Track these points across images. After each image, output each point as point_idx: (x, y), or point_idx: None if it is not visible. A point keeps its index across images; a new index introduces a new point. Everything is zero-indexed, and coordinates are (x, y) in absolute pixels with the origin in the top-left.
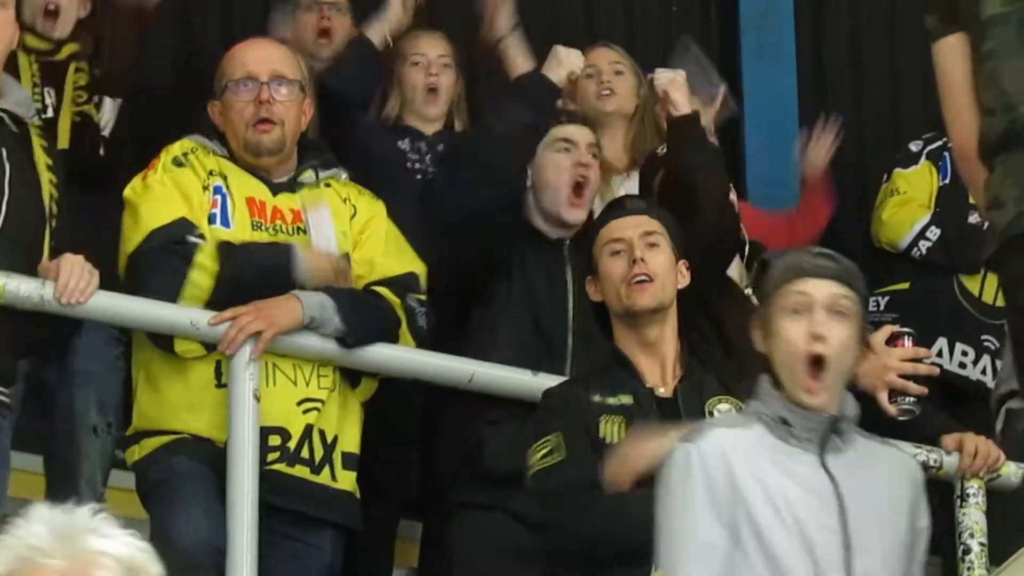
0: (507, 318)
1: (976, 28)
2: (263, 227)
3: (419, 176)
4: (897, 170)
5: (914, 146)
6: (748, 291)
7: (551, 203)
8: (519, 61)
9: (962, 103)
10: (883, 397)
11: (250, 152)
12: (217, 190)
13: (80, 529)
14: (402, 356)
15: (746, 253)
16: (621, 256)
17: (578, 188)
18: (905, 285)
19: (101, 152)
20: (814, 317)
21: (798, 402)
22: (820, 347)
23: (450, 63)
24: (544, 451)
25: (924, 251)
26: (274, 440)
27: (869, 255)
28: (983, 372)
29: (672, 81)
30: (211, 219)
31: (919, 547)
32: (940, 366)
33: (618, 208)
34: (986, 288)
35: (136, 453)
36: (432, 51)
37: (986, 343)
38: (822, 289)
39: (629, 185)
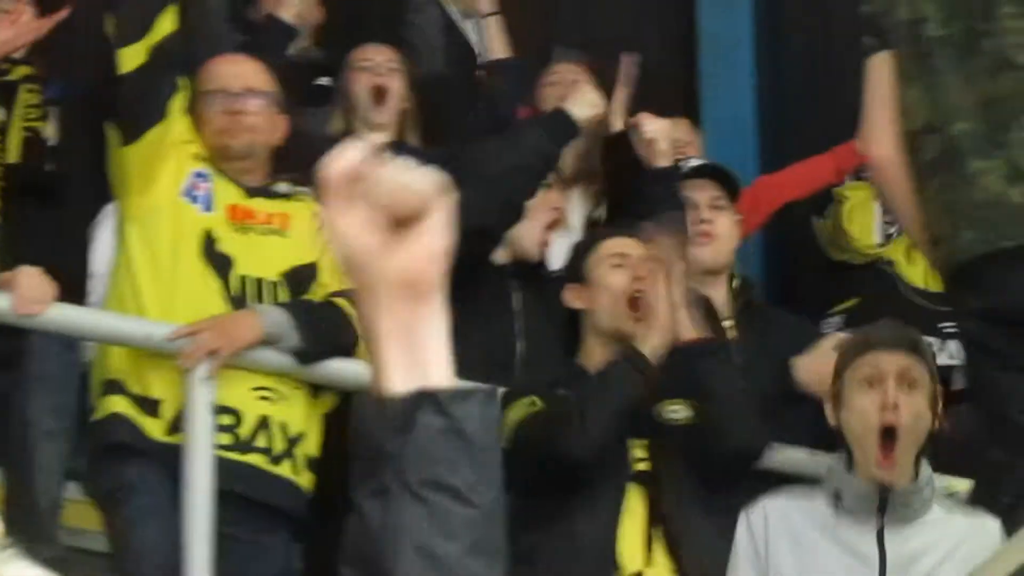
0: (461, 336)
1: (914, 48)
2: (234, 226)
3: None
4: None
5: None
6: (728, 323)
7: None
8: (496, 44)
9: (885, 116)
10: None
11: (220, 156)
12: (204, 176)
13: None
14: (364, 372)
15: (735, 286)
16: (623, 271)
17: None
18: (855, 300)
19: (50, 167)
20: (886, 388)
21: (869, 476)
22: (892, 417)
23: (397, 68)
24: (521, 408)
25: (887, 214)
26: (223, 420)
27: (825, 274)
28: (950, 356)
29: (661, 131)
30: (193, 199)
31: None
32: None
33: (619, 227)
34: (930, 278)
35: (100, 411)
36: (379, 56)
37: (944, 330)
38: (893, 360)
39: (575, 196)
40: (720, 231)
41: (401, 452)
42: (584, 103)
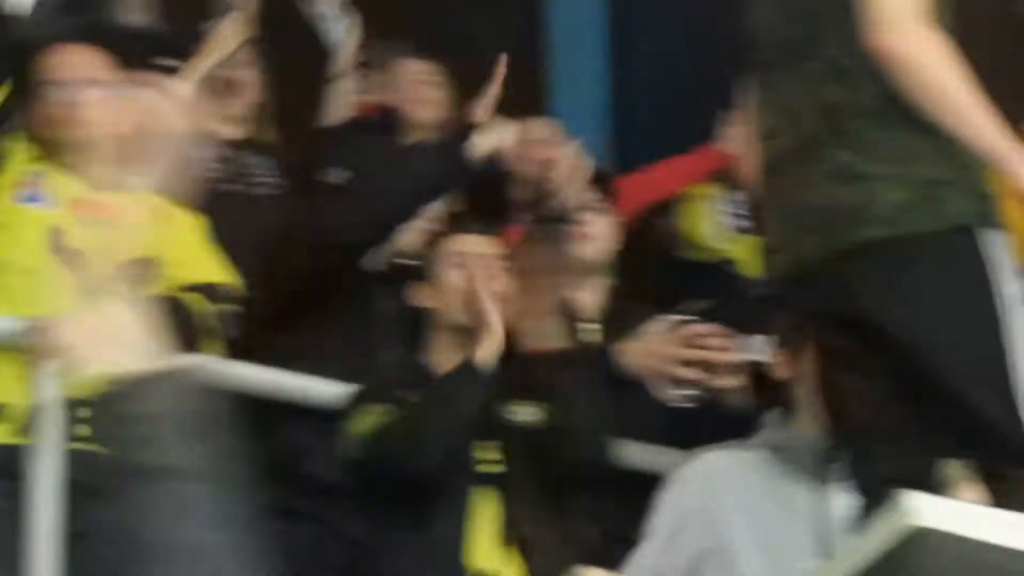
0: (338, 340)
1: (762, 55)
2: (80, 219)
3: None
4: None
5: None
6: (594, 325)
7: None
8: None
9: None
10: (656, 385)
11: (58, 149)
12: (41, 174)
13: None
14: (205, 366)
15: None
16: (462, 269)
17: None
18: (707, 302)
19: None
20: None
21: (815, 431)
22: None
23: (251, 61)
24: (372, 417)
25: (734, 215)
26: (81, 413)
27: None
28: None
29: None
30: (32, 199)
31: None
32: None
33: (463, 224)
34: None
35: None
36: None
37: None
38: None
39: None
40: (598, 232)
41: (112, 444)
42: (485, 135)
